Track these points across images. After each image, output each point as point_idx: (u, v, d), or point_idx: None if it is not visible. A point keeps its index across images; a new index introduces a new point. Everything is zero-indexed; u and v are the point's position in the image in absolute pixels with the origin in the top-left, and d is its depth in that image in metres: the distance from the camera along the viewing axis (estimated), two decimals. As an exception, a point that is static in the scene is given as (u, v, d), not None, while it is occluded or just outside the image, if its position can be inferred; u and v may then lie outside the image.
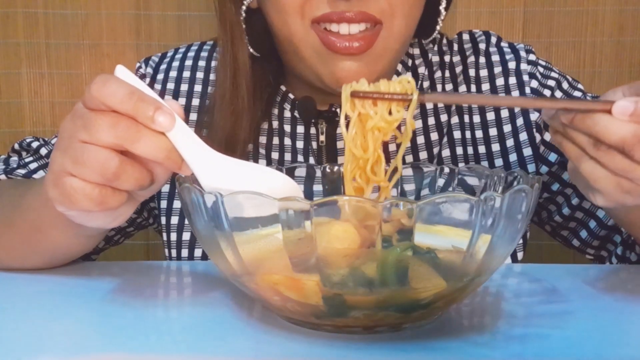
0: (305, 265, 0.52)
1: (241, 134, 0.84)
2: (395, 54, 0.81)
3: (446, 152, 0.87)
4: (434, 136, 0.88)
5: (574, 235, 0.91)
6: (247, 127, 0.84)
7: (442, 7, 0.84)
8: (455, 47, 0.93)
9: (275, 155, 0.88)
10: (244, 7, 0.83)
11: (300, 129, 0.88)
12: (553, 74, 0.91)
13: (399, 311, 0.55)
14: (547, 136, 0.87)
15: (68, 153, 0.57)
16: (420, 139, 0.88)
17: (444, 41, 0.93)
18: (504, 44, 0.92)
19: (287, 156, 0.88)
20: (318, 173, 0.73)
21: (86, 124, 0.56)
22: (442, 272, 0.53)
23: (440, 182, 0.71)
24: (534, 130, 0.87)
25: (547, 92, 0.89)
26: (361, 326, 0.57)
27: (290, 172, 0.71)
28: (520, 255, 0.85)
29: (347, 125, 0.63)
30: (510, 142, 0.87)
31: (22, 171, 0.88)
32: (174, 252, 0.88)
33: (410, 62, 0.91)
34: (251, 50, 0.84)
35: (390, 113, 0.61)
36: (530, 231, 0.90)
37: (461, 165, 0.85)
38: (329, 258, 0.53)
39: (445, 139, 0.88)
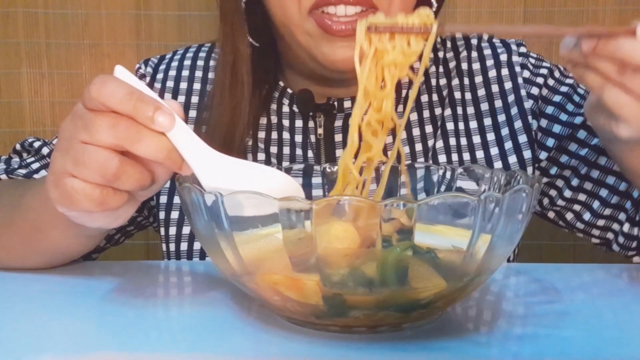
0: (305, 265, 0.52)
1: (240, 123, 0.84)
2: None
3: (440, 144, 0.88)
4: (429, 129, 0.89)
5: (578, 218, 0.90)
6: (246, 116, 0.85)
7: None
8: (449, 44, 0.95)
9: (274, 149, 0.89)
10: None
11: (298, 122, 0.89)
12: (545, 64, 0.92)
13: (399, 311, 0.55)
14: (544, 122, 0.88)
15: (68, 154, 0.57)
16: (416, 131, 0.89)
17: (438, 39, 0.94)
18: (495, 40, 0.94)
19: (286, 150, 0.89)
20: (317, 167, 0.73)
21: (86, 124, 0.56)
22: (442, 272, 0.53)
23: (440, 181, 0.71)
24: (530, 117, 0.88)
25: (540, 80, 0.90)
26: (361, 326, 0.57)
27: (289, 169, 0.71)
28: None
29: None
30: (505, 131, 0.88)
31: (23, 171, 0.88)
32: (172, 247, 0.88)
33: None
34: (251, 40, 0.85)
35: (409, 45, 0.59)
36: (531, 231, 0.90)
37: (459, 167, 0.85)
38: (329, 258, 0.53)
39: (439, 131, 0.89)
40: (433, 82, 0.92)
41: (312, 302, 0.54)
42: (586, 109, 0.66)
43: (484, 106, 0.90)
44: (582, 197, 0.89)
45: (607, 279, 0.76)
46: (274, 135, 0.90)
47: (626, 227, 0.86)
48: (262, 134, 0.90)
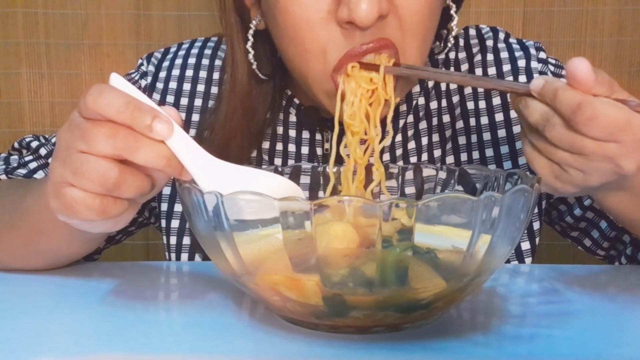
0: (305, 265, 0.52)
1: (230, 153, 0.81)
2: (408, 87, 0.80)
3: (450, 159, 0.86)
4: (435, 137, 0.87)
5: (585, 235, 0.89)
6: (237, 149, 0.82)
7: (453, 24, 0.82)
8: (461, 42, 0.91)
9: (278, 161, 0.87)
10: (251, 32, 0.80)
11: (305, 134, 0.87)
12: (564, 72, 0.89)
13: (399, 311, 0.55)
14: None
15: (67, 164, 0.57)
16: (425, 140, 0.87)
17: (450, 38, 0.91)
18: (512, 40, 0.91)
19: (291, 163, 0.87)
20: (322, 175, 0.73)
21: (84, 134, 0.56)
22: (442, 272, 0.53)
23: (440, 182, 0.71)
24: None
25: None
26: (361, 326, 0.57)
27: (296, 175, 0.71)
28: (528, 261, 0.84)
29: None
30: (519, 144, 0.85)
31: (22, 171, 0.88)
32: (173, 256, 0.87)
33: None
34: (259, 74, 0.81)
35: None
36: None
37: (459, 168, 0.84)
38: (329, 258, 0.53)
39: (449, 145, 0.87)
40: (443, 86, 0.88)
41: (312, 303, 0.54)
42: None
43: (499, 116, 0.86)
44: (590, 215, 0.87)
45: (606, 279, 0.76)
46: (279, 146, 0.87)
47: (629, 251, 0.85)
48: (266, 144, 0.87)
